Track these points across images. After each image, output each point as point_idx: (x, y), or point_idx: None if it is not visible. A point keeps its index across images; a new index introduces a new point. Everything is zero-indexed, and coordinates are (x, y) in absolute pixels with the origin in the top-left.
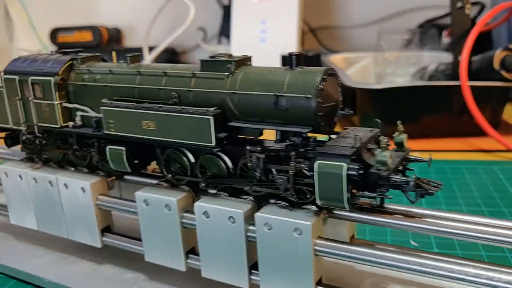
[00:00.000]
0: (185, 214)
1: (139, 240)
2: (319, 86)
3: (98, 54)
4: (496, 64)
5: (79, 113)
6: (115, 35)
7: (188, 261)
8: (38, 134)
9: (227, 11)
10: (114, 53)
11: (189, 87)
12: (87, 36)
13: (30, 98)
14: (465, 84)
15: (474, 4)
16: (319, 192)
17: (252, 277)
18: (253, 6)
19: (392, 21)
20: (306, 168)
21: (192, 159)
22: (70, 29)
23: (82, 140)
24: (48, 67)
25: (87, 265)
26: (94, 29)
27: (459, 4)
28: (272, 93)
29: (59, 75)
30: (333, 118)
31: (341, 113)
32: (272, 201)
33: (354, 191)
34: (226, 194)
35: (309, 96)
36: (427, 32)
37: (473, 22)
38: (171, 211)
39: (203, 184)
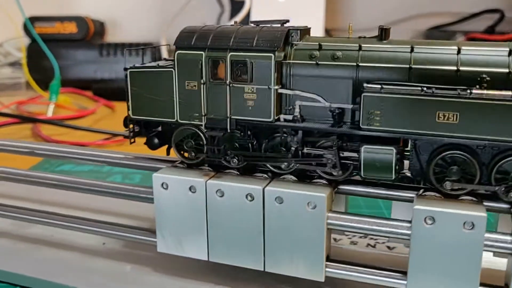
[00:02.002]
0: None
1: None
2: None
3: (306, 26)
4: None
5: (298, 103)
6: (100, 29)
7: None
8: (234, 130)
9: (236, 6)
10: (350, 24)
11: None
12: (71, 28)
13: (227, 82)
14: None
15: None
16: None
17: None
18: (276, 5)
19: (398, 26)
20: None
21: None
22: (50, 19)
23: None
24: (261, 41)
25: None
26: (79, 21)
27: None
28: None
29: (280, 50)
30: None
31: None
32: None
33: None
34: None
35: None
36: (433, 37)
37: (492, 29)
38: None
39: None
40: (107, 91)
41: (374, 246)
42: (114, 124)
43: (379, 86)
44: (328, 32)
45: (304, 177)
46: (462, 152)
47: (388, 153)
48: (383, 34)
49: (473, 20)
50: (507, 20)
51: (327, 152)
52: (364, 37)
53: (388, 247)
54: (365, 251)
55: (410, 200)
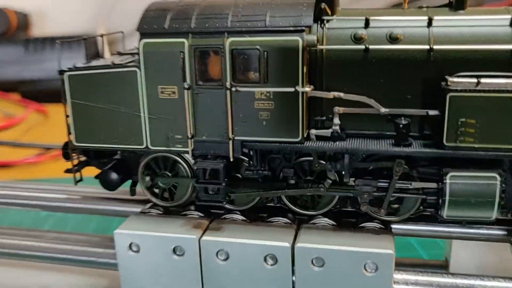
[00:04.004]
0: None
1: None
2: None
3: None
4: None
5: (338, 110)
6: (23, 22)
7: None
8: (240, 158)
9: None
10: None
11: None
12: None
13: (226, 84)
14: None
15: None
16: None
17: None
18: None
19: None
20: None
21: None
22: None
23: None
24: (278, 17)
25: None
26: None
27: None
28: None
29: (308, 31)
30: None
31: None
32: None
33: None
34: None
35: None
36: None
37: None
38: None
39: None
40: (38, 93)
41: None
42: (49, 134)
43: (474, 79)
44: None
45: (340, 220)
46: None
47: (490, 182)
48: (459, 0)
49: None
50: None
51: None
52: (427, 7)
53: None
54: None
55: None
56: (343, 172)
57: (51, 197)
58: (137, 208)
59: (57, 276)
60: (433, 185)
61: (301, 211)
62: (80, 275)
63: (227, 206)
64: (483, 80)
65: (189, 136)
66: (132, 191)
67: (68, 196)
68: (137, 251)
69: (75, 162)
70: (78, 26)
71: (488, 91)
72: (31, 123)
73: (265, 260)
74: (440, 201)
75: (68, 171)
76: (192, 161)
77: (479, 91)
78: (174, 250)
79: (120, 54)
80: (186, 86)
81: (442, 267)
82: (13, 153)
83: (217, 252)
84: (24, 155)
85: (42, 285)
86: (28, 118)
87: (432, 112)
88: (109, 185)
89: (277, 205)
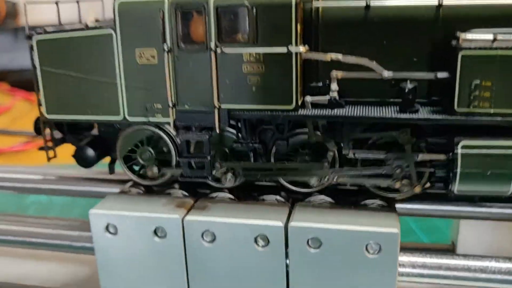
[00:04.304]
0: None
1: None
2: None
3: None
4: None
5: (336, 74)
6: (12, 10)
7: None
8: (226, 129)
9: None
10: None
11: None
12: None
13: (211, 45)
14: None
15: None
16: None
17: None
18: None
19: None
20: None
21: None
22: None
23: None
24: None
25: None
26: None
27: None
28: None
29: None
30: None
31: None
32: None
33: None
34: None
35: None
36: None
37: None
38: None
39: None
40: (27, 82)
41: None
42: None
43: (490, 35)
44: None
45: (338, 197)
46: None
47: (508, 152)
48: None
49: None
50: None
51: (393, 157)
52: None
53: None
54: None
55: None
56: (342, 144)
57: (25, 178)
58: (118, 189)
59: (35, 265)
60: (443, 156)
61: (296, 188)
62: (60, 263)
63: (213, 184)
64: (500, 37)
65: (170, 105)
66: (111, 169)
67: (43, 177)
68: (115, 233)
69: (47, 133)
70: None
71: (506, 48)
72: (19, 112)
73: (255, 241)
74: (451, 174)
75: (41, 148)
76: (174, 133)
77: (496, 48)
78: (155, 232)
79: (98, 21)
80: (166, 49)
81: (449, 251)
82: (0, 141)
83: (203, 233)
84: (11, 142)
85: (20, 275)
86: (16, 106)
87: (441, 75)
88: (85, 162)
89: (268, 183)
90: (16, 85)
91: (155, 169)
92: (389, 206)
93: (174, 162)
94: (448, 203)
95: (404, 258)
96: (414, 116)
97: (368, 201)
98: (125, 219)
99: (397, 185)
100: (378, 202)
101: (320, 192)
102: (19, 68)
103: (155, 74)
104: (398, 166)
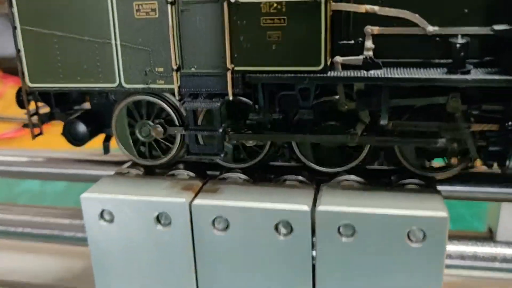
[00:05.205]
0: None
1: None
2: None
3: None
4: None
5: (370, 30)
6: None
7: None
8: (240, 98)
9: None
10: None
11: None
12: None
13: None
14: None
15: None
16: None
17: None
18: None
19: None
20: None
21: None
22: None
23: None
24: None
25: None
26: None
27: None
28: None
29: None
30: None
31: None
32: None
33: None
34: None
35: None
36: None
37: None
38: None
39: None
40: None
41: None
42: None
43: None
44: None
45: (369, 178)
46: None
47: None
48: None
49: None
50: None
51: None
52: None
53: None
54: None
55: None
56: (381, 113)
57: (10, 161)
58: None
59: (22, 259)
60: (498, 127)
61: (321, 168)
62: (51, 256)
63: (224, 163)
64: None
65: (174, 68)
66: (105, 148)
67: (30, 159)
68: (110, 221)
69: (32, 106)
70: None
71: None
72: (10, 98)
73: (276, 229)
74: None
75: (25, 125)
76: (178, 103)
77: None
78: (157, 219)
79: None
80: (168, 0)
81: (486, 239)
82: None
83: (214, 219)
84: (3, 129)
85: (5, 269)
86: (7, 93)
87: (499, 27)
88: (76, 139)
89: (289, 162)
90: (8, 72)
91: (160, 129)
92: (429, 186)
93: (179, 137)
94: (495, 185)
95: (451, 247)
96: (469, 77)
97: (404, 181)
98: (122, 204)
99: (454, 161)
100: (416, 181)
101: (348, 172)
102: (10, 55)
103: (155, 31)
104: (453, 139)
